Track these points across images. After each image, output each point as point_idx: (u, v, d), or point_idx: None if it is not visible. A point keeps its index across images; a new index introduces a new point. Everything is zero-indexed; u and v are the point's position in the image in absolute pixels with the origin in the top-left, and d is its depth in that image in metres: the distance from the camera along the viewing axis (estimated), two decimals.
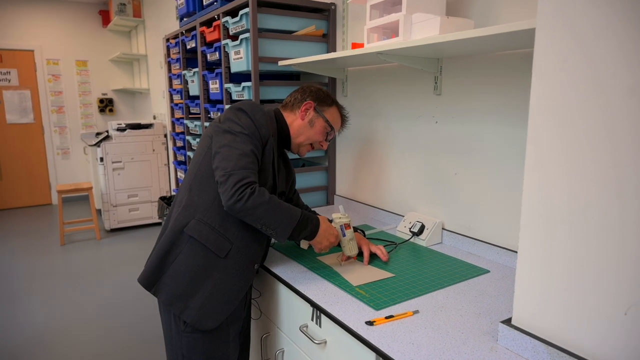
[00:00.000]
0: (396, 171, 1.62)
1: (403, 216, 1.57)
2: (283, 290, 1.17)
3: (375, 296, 1.01)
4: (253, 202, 0.93)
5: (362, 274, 1.13)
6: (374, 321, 0.89)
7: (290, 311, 1.15)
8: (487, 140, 1.27)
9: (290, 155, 1.45)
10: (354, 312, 0.94)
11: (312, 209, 1.38)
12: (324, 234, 1.05)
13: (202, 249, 1.02)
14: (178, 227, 1.07)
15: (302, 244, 1.12)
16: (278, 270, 1.19)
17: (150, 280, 1.04)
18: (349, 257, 1.18)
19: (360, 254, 1.26)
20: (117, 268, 3.16)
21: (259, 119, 1.03)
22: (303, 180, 1.87)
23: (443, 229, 1.43)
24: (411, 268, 1.19)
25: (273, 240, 1.44)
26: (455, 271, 1.17)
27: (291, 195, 1.33)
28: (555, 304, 0.73)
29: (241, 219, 0.97)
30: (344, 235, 1.13)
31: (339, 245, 1.21)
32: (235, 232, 1.04)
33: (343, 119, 1.20)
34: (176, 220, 1.08)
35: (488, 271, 1.19)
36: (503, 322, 0.84)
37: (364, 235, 1.34)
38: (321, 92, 1.19)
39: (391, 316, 0.91)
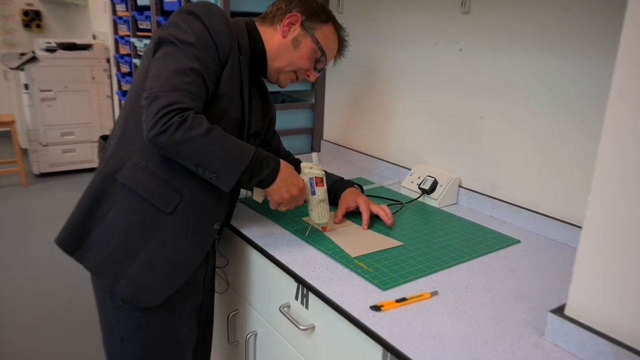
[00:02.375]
0: (403, 112, 1.60)
1: (410, 169, 1.56)
2: (257, 258, 1.13)
3: (380, 271, 0.96)
4: (183, 134, 0.84)
5: (362, 242, 1.09)
6: (381, 305, 0.83)
7: (268, 286, 1.11)
8: (526, 76, 1.22)
9: (271, 88, 1.29)
10: (354, 291, 0.89)
11: (297, 159, 1.30)
12: (283, 182, 0.97)
13: (140, 201, 0.94)
14: (108, 172, 0.97)
15: (256, 193, 1.03)
16: (251, 232, 1.14)
17: (72, 242, 0.96)
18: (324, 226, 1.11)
19: (356, 217, 1.22)
20: (48, 221, 2.98)
21: (216, 26, 0.92)
22: (282, 120, 1.85)
23: (460, 186, 1.42)
24: (423, 235, 1.16)
25: (245, 192, 1.34)
26: (479, 240, 1.15)
27: (269, 138, 1.27)
28: (633, 294, 0.67)
29: (170, 157, 0.90)
30: (313, 193, 1.05)
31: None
32: (184, 181, 0.96)
33: (341, 43, 1.10)
34: (107, 163, 0.98)
35: (518, 241, 1.16)
36: (553, 311, 0.78)
37: (362, 191, 1.28)
38: (314, 3, 1.05)
39: (403, 299, 0.86)
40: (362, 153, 1.76)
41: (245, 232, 1.14)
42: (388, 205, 1.32)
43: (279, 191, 0.97)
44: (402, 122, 1.60)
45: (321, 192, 1.06)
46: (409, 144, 1.59)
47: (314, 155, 1.04)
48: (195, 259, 1.02)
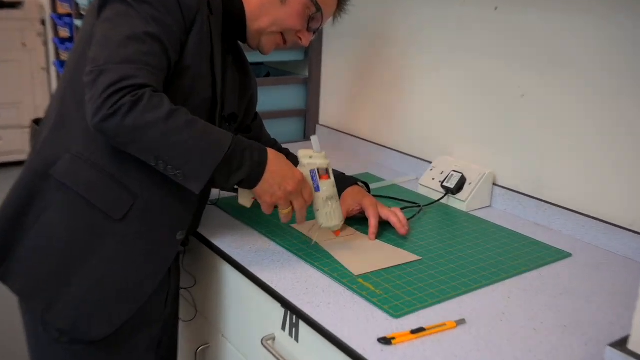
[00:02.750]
0: (422, 90, 1.59)
1: (430, 163, 1.55)
2: (233, 276, 1.13)
3: (391, 294, 0.97)
4: (137, 118, 0.83)
5: (369, 256, 1.10)
6: (393, 337, 0.83)
7: (247, 312, 1.12)
8: (582, 43, 1.21)
9: (252, 58, 1.29)
10: (358, 320, 0.89)
11: (285, 148, 1.30)
12: (274, 178, 0.94)
13: (82, 205, 0.94)
14: (41, 167, 0.97)
15: (241, 196, 1.02)
16: (225, 242, 1.14)
17: None
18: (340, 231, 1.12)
19: (360, 224, 1.22)
20: None
21: None
22: (266, 99, 1.84)
23: (494, 184, 1.42)
24: (446, 247, 1.17)
25: (219, 192, 1.34)
26: (518, 254, 1.16)
27: (249, 121, 1.28)
28: None
29: (121, 148, 0.90)
30: (316, 189, 1.03)
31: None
32: (140, 178, 0.96)
33: None
34: (39, 155, 0.98)
35: (569, 255, 1.17)
36: (613, 345, 0.78)
37: (369, 191, 1.29)
38: None
39: (421, 329, 0.86)
40: (369, 142, 1.77)
41: (218, 242, 1.14)
42: (402, 209, 1.31)
43: (270, 190, 0.95)
44: (421, 103, 1.60)
45: (327, 186, 1.03)
46: (429, 130, 1.59)
47: (314, 139, 1.01)
48: (153, 278, 1.02)
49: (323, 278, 1.02)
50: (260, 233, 1.19)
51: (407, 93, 1.64)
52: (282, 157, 0.97)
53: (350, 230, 1.21)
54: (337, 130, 1.88)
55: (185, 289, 1.28)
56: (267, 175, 0.93)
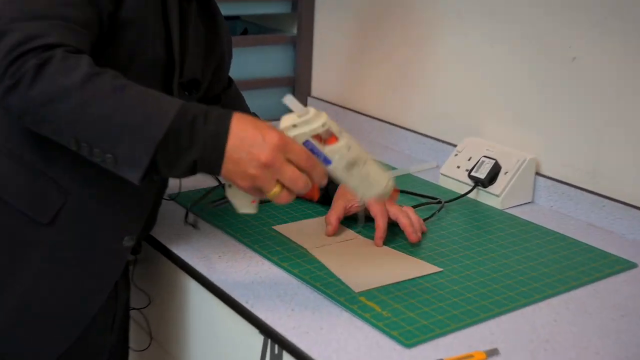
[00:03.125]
0: (444, 54, 1.59)
1: (455, 146, 1.55)
2: (198, 294, 1.13)
3: (402, 315, 0.96)
4: (43, 87, 0.81)
5: (374, 267, 1.12)
6: None
7: (216, 339, 1.12)
8: None
9: (225, 10, 1.27)
10: (358, 349, 0.89)
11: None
12: (240, 152, 0.85)
13: None
14: None
15: (234, 198, 0.93)
16: (187, 251, 1.14)
17: None
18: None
19: (364, 225, 1.22)
20: None
21: None
22: (245, 63, 1.82)
23: (537, 174, 1.43)
24: (474, 255, 1.17)
25: (180, 183, 1.34)
26: (568, 263, 1.16)
27: (219, 89, 1.28)
28: None
29: (34, 130, 0.88)
30: (326, 162, 0.90)
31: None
32: (71, 169, 0.96)
33: None
34: None
35: (634, 265, 1.17)
36: None
37: None
38: None
39: None
40: (375, 119, 1.77)
41: (178, 250, 1.14)
42: (417, 207, 1.31)
43: (239, 169, 0.84)
44: (443, 70, 1.60)
45: (340, 151, 0.90)
46: (453, 104, 1.59)
47: (290, 99, 0.89)
48: (95, 297, 1.02)
49: (314, 296, 1.02)
50: (232, 236, 1.19)
51: (425, 58, 1.63)
52: (249, 119, 0.88)
53: (349, 233, 1.22)
54: (334, 104, 1.87)
55: (137, 309, 1.28)
56: (230, 150, 0.84)
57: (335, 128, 0.90)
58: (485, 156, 1.43)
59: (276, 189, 0.85)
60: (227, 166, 0.84)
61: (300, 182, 0.85)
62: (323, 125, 0.88)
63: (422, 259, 1.14)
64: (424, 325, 0.94)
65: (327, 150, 0.89)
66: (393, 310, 0.97)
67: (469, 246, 1.20)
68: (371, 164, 0.93)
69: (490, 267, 1.12)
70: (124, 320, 1.22)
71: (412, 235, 1.17)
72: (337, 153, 0.89)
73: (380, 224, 1.17)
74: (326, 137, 0.89)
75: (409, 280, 1.06)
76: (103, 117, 0.82)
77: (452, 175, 1.47)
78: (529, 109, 1.44)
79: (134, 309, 1.27)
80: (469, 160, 1.45)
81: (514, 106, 1.46)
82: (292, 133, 0.88)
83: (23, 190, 0.95)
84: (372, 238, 1.19)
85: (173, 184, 1.30)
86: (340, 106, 1.86)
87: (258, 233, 1.20)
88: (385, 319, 0.95)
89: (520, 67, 1.44)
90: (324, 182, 0.89)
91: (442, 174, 1.50)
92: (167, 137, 0.81)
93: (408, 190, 1.43)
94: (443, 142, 1.61)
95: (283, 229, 1.22)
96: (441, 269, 1.10)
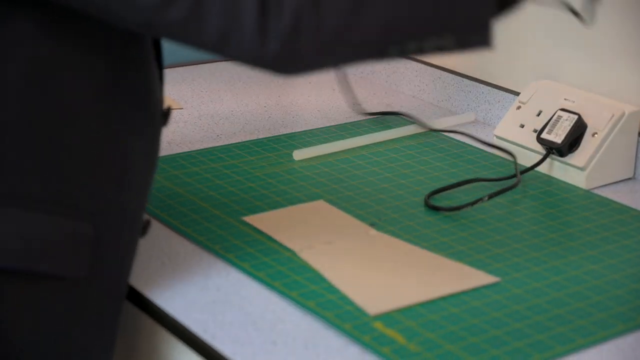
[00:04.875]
0: None
1: (516, 94, 1.54)
2: (136, 319, 1.16)
3: (437, 350, 0.96)
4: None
5: (395, 278, 1.12)
6: None
7: None
8: None
9: None
10: None
11: None
12: None
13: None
14: None
15: None
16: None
17: None
18: None
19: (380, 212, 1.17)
20: None
21: None
22: None
23: None
24: (546, 258, 1.17)
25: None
26: None
27: None
28: None
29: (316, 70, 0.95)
30: None
31: None
32: (94, 189, 1.03)
33: None
34: None
35: None
36: None
37: None
38: None
39: None
40: None
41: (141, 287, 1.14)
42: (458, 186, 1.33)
43: None
44: None
45: None
46: (512, 32, 1.55)
47: None
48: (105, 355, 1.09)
49: (305, 321, 1.02)
50: (181, 233, 1.22)
51: None
52: None
53: (359, 225, 1.24)
54: None
55: None
56: None
57: None
58: (562, 109, 1.41)
59: None
60: None
61: None
62: None
63: (469, 263, 1.13)
64: None
65: None
66: (424, 342, 0.95)
67: (538, 245, 1.20)
68: None
69: (569, 276, 1.12)
70: None
71: None
72: None
73: None
74: None
75: (448, 296, 1.06)
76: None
77: (512, 138, 1.46)
78: (626, 40, 1.42)
79: None
80: (538, 115, 1.44)
81: (606, 34, 1.44)
82: None
83: (46, 244, 0.98)
84: (393, 230, 1.19)
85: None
86: None
87: (220, 227, 1.21)
88: (413, 355, 0.93)
89: None
90: None
91: (496, 136, 1.49)
92: None
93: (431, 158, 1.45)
94: (497, 87, 1.61)
95: (257, 220, 1.22)
96: (498, 279, 1.09)
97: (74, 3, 0.95)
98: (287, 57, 0.90)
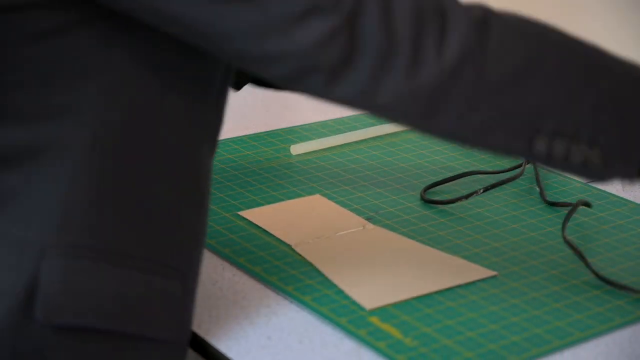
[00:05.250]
0: None
1: None
2: None
3: (434, 344, 0.96)
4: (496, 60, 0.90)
5: (392, 272, 1.11)
6: None
7: None
8: None
9: None
10: None
11: None
12: None
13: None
14: None
15: None
16: None
17: None
18: None
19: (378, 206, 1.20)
20: None
21: None
22: None
23: None
24: (545, 250, 1.16)
25: None
26: None
27: None
28: None
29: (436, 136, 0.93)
30: None
31: None
32: (181, 246, 1.02)
33: None
34: None
35: None
36: None
37: None
38: None
39: None
40: None
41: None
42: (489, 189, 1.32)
43: None
44: None
45: None
46: None
47: None
48: None
49: (301, 316, 1.02)
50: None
51: None
52: None
53: (355, 219, 1.23)
54: None
55: None
56: None
57: None
58: None
59: None
60: None
61: None
62: None
63: (466, 257, 1.13)
64: (468, 359, 0.92)
65: None
66: (421, 337, 0.95)
67: (536, 238, 1.19)
68: None
69: (567, 269, 1.11)
70: None
71: None
72: None
73: None
74: None
75: (445, 290, 1.06)
76: (563, 86, 0.91)
77: None
78: (631, 29, 1.42)
79: None
80: None
81: (606, 27, 1.44)
82: None
83: (140, 303, 0.97)
84: (390, 224, 1.18)
85: None
86: None
87: (216, 222, 1.20)
88: (409, 349, 0.93)
89: None
90: None
91: None
92: None
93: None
94: None
95: (254, 215, 1.22)
96: (495, 273, 1.09)
97: (211, 48, 0.93)
98: (431, 97, 0.88)
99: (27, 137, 0.95)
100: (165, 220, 0.99)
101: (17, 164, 0.96)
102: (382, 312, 1.01)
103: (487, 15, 0.90)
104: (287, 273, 1.09)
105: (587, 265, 1.09)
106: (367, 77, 0.87)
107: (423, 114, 0.89)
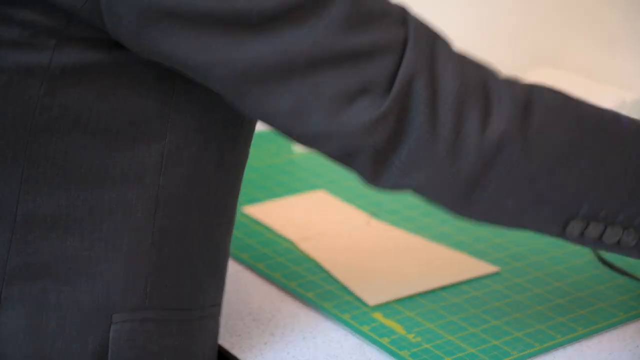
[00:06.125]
0: None
1: None
2: None
3: (437, 340, 0.96)
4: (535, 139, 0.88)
5: (396, 268, 1.12)
6: None
7: None
8: None
9: None
10: None
11: None
12: None
13: None
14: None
15: None
16: None
17: None
18: None
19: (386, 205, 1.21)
20: None
21: None
22: None
23: None
24: (547, 247, 1.17)
25: None
26: None
27: None
28: None
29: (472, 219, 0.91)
30: None
31: None
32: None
33: None
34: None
35: None
36: None
37: None
38: None
39: None
40: None
41: None
42: None
43: None
44: None
45: None
46: (511, 14, 1.54)
47: None
48: None
49: (304, 312, 1.02)
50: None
51: None
52: None
53: (358, 214, 1.24)
54: None
55: None
56: None
57: None
58: None
59: None
60: None
61: None
62: None
63: (469, 253, 1.13)
64: (471, 355, 0.92)
65: None
66: (424, 333, 0.96)
67: (539, 234, 1.18)
68: None
69: (570, 265, 1.12)
70: None
71: None
72: None
73: None
74: None
75: (448, 286, 1.06)
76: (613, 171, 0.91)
77: None
78: (632, 24, 1.42)
79: None
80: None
81: (607, 20, 1.44)
82: None
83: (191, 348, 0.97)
84: (393, 220, 1.18)
85: None
86: None
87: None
88: (412, 345, 0.93)
89: None
90: None
91: None
92: None
93: None
94: None
95: (257, 211, 1.22)
96: (498, 269, 1.09)
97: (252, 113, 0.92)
98: (468, 183, 0.88)
99: (91, 200, 0.94)
100: (221, 266, 1.00)
101: (78, 229, 0.94)
102: (386, 308, 1.01)
103: (530, 97, 0.88)
104: (290, 269, 1.10)
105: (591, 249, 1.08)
106: (406, 161, 0.86)
107: (458, 199, 0.89)
